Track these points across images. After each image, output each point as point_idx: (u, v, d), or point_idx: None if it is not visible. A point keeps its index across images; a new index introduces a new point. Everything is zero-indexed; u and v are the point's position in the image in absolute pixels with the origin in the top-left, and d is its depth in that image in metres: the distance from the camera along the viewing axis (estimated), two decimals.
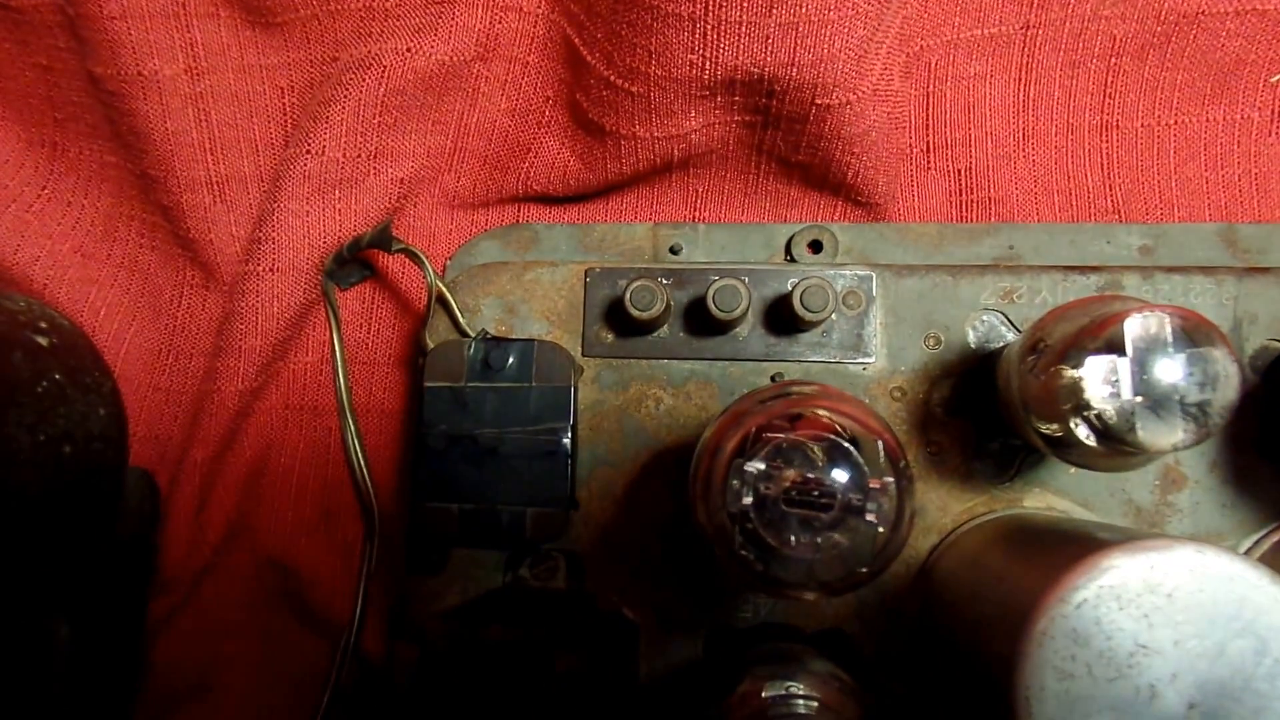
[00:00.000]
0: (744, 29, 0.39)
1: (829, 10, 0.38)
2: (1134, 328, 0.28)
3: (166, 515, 0.51)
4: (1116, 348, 0.29)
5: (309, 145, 0.47)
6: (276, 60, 0.49)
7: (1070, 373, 0.30)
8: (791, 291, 0.40)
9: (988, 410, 0.41)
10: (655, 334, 0.43)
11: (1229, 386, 0.28)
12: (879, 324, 0.42)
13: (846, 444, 0.26)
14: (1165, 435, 0.28)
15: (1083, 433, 0.31)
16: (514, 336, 0.44)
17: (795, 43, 0.39)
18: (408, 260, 0.49)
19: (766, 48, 0.39)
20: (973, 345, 0.42)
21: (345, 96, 0.47)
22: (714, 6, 0.38)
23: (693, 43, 0.40)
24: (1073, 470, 0.41)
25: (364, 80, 0.46)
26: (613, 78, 0.43)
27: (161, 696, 0.50)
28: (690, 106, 0.43)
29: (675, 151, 0.45)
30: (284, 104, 0.49)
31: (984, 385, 0.41)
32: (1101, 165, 0.47)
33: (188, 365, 0.52)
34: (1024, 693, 0.26)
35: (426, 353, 0.44)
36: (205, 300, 0.52)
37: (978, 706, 0.33)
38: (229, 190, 0.50)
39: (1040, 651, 0.26)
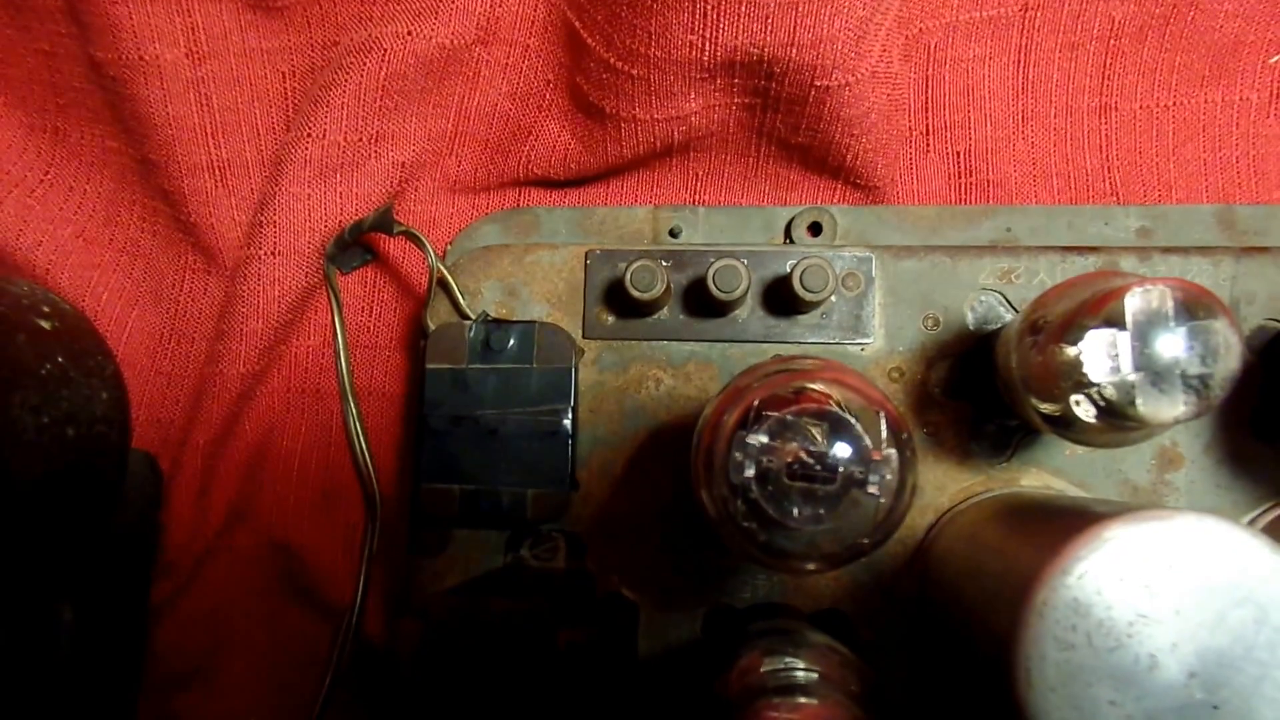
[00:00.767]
0: (743, 9, 0.39)
1: None
2: (1134, 302, 0.29)
3: (169, 498, 0.51)
4: (1116, 322, 0.29)
5: (310, 129, 0.47)
6: (277, 44, 0.49)
7: (1070, 349, 0.30)
8: (791, 272, 0.40)
9: (985, 390, 0.41)
10: (655, 316, 0.43)
11: (1230, 357, 0.28)
12: (877, 305, 0.43)
13: (848, 416, 0.27)
14: (1167, 408, 0.28)
15: (1083, 409, 0.31)
16: (515, 319, 0.44)
17: (795, 22, 0.39)
18: (409, 244, 0.49)
19: (766, 28, 0.39)
20: (971, 326, 0.42)
21: (346, 80, 0.47)
22: None
23: (692, 24, 0.40)
24: (1069, 450, 0.41)
25: (364, 64, 0.47)
26: (612, 60, 0.44)
27: (164, 679, 0.50)
28: (690, 88, 0.43)
29: (675, 134, 0.46)
30: (285, 88, 0.50)
31: (982, 366, 0.41)
32: (1100, 147, 0.47)
33: (189, 349, 0.52)
34: (1024, 663, 0.26)
35: (428, 335, 0.44)
36: (207, 284, 0.52)
37: (976, 683, 0.33)
38: (230, 175, 0.50)
39: (1041, 622, 0.26)
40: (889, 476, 0.26)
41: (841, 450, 0.27)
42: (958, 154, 0.48)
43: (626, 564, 0.43)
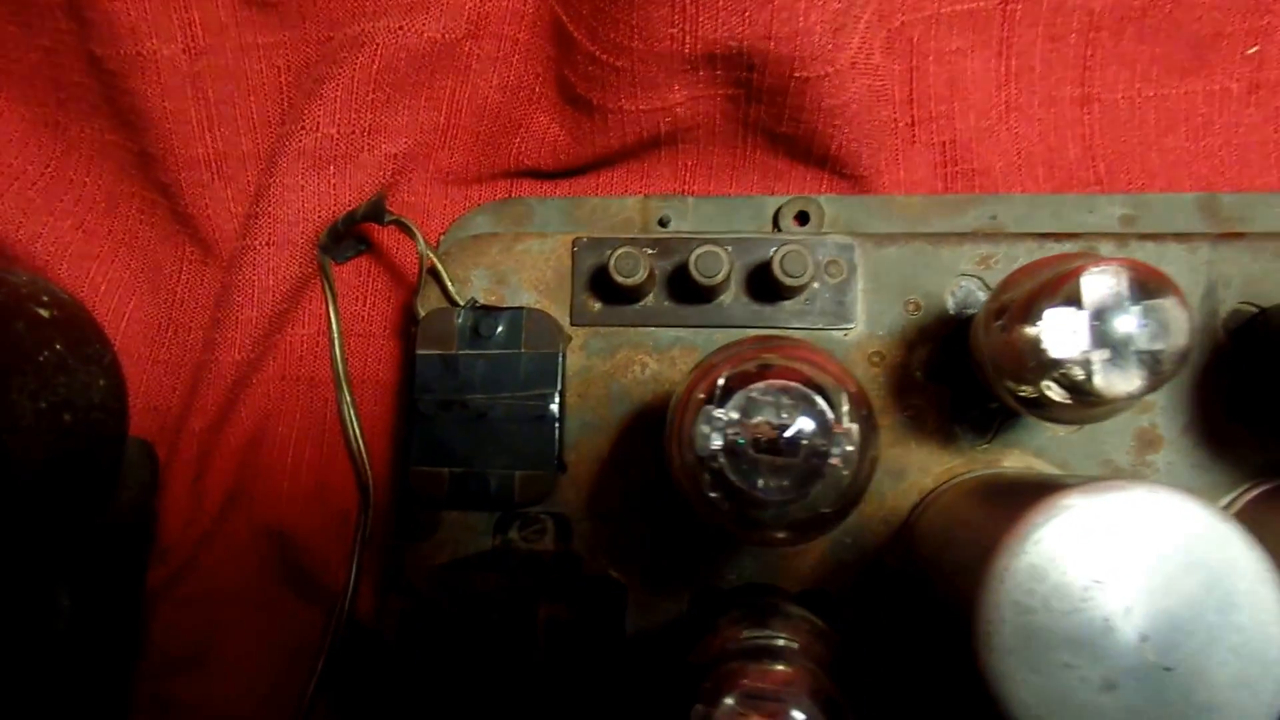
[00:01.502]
0: (721, 2, 0.40)
1: None
2: (1089, 281, 0.29)
3: (165, 484, 0.52)
4: (1074, 301, 0.30)
5: (304, 121, 0.48)
6: (273, 39, 0.50)
7: (1031, 329, 0.31)
8: (772, 258, 0.41)
9: (966, 374, 0.42)
10: (641, 302, 0.44)
11: (1180, 333, 0.29)
12: (860, 291, 0.43)
13: (811, 390, 0.27)
14: (1123, 383, 0.29)
15: (1047, 387, 0.31)
16: (504, 306, 0.45)
17: (771, 15, 0.40)
18: (402, 235, 0.50)
19: (744, 20, 0.40)
20: (951, 311, 0.43)
21: (339, 74, 0.48)
22: None
23: (673, 16, 0.41)
24: (1049, 431, 0.42)
25: (358, 58, 0.47)
26: (598, 53, 0.44)
27: (160, 664, 0.51)
28: (674, 80, 0.44)
29: (662, 125, 0.46)
30: (280, 82, 0.50)
31: (962, 349, 0.42)
32: (1083, 137, 0.48)
33: (186, 339, 0.53)
34: (984, 627, 0.27)
35: (419, 321, 0.45)
36: (204, 275, 0.53)
37: (949, 654, 0.34)
38: (226, 167, 0.51)
39: (1000, 587, 0.27)
40: (850, 448, 0.27)
41: (804, 423, 0.27)
42: (943, 144, 0.49)
43: (614, 546, 0.44)
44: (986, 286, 0.42)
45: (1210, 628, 0.26)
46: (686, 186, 0.50)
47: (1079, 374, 0.30)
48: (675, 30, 0.41)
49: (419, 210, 0.51)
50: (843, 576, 0.42)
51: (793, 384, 0.27)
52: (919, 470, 0.43)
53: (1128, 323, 0.29)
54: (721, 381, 0.28)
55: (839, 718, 0.26)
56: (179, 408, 0.52)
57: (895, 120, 0.48)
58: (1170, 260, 0.42)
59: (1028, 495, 0.29)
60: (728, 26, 0.41)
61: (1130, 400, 0.30)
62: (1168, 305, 0.29)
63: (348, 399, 0.50)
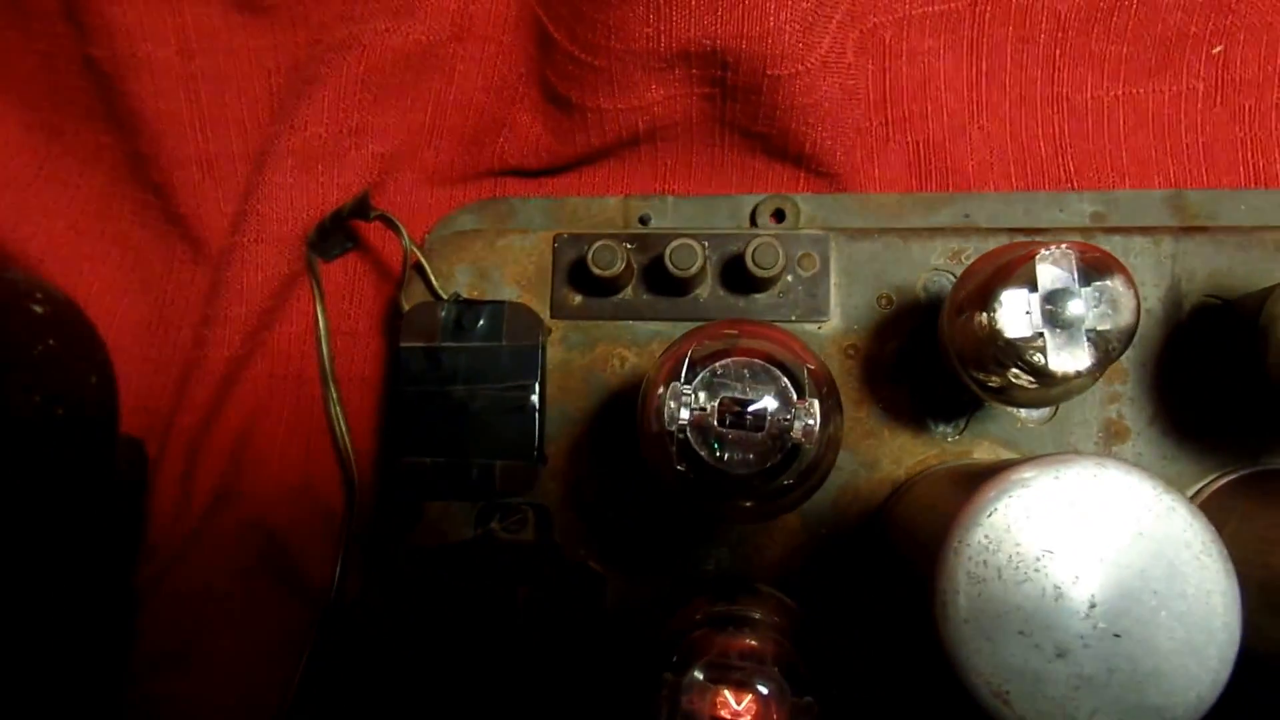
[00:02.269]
0: (694, 1, 0.41)
1: None
2: (1042, 264, 0.30)
3: (154, 481, 0.52)
4: (1026, 284, 0.31)
5: (293, 121, 0.49)
6: (264, 42, 0.51)
7: (986, 314, 0.31)
8: (744, 251, 0.42)
9: (937, 366, 0.43)
10: (619, 295, 0.45)
11: (1127, 312, 0.30)
12: (833, 285, 0.44)
13: (773, 366, 0.28)
14: (1073, 362, 0.30)
15: (1007, 371, 0.32)
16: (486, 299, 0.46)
17: (742, 14, 0.41)
18: (389, 235, 0.51)
19: (717, 19, 0.41)
20: (923, 304, 0.44)
21: (328, 75, 0.49)
22: None
23: (647, 16, 0.42)
24: (1019, 423, 0.43)
25: (345, 59, 0.49)
26: (577, 52, 0.46)
27: (148, 660, 0.51)
28: (650, 79, 0.45)
29: (640, 123, 0.48)
30: (270, 84, 0.52)
31: (933, 342, 0.43)
32: (1054, 136, 0.49)
33: (176, 337, 0.54)
34: (941, 598, 0.28)
35: (403, 315, 0.46)
36: (194, 275, 0.54)
37: (916, 632, 0.35)
38: (217, 167, 0.52)
39: (956, 559, 0.28)
40: (811, 422, 0.28)
41: (766, 398, 0.28)
42: (917, 144, 0.50)
43: (593, 536, 0.45)
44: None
45: (1157, 596, 0.26)
46: (666, 185, 0.51)
47: (1034, 355, 0.30)
48: (650, 29, 0.42)
49: (405, 209, 0.52)
50: (819, 566, 0.43)
51: (755, 361, 0.28)
52: (891, 462, 0.43)
53: (1077, 303, 0.30)
54: (688, 359, 0.29)
55: (801, 685, 0.27)
56: (168, 406, 0.53)
57: (869, 119, 0.49)
58: (1136, 254, 0.43)
59: (985, 474, 0.30)
60: (701, 25, 0.42)
61: (1083, 379, 0.30)
62: (1116, 285, 0.30)
63: (334, 396, 0.51)
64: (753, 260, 0.41)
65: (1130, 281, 0.30)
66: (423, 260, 0.46)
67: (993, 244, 0.44)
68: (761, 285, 0.43)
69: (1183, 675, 0.26)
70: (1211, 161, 0.48)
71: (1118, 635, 0.26)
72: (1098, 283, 0.30)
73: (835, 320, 0.44)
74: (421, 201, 0.53)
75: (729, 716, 0.27)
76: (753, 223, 0.49)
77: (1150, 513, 0.27)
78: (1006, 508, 0.27)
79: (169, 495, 0.52)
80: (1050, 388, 0.33)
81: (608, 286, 0.44)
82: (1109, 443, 0.43)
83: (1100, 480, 0.27)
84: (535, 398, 0.44)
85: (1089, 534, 0.27)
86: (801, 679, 0.27)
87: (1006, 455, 0.43)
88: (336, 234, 0.51)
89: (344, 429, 0.51)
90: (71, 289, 0.54)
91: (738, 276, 0.44)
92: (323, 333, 0.51)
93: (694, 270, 0.41)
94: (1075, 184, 0.49)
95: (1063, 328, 0.30)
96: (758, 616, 0.29)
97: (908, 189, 0.50)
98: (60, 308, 0.50)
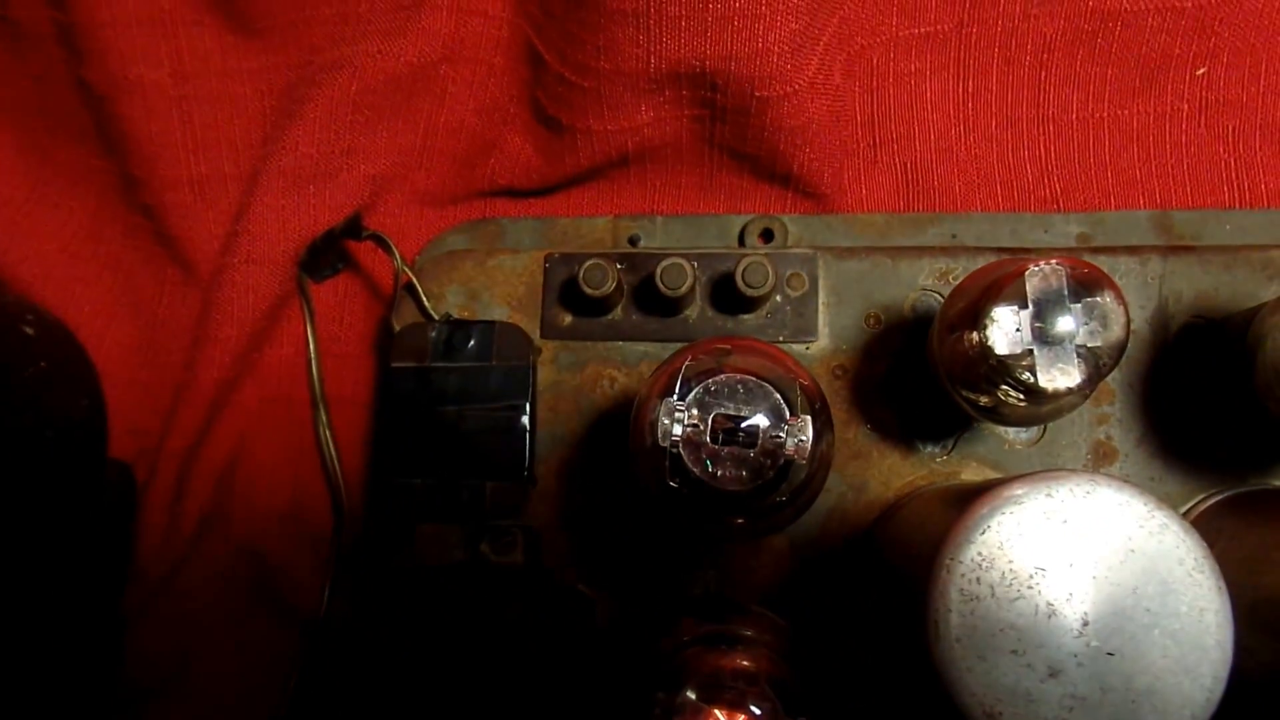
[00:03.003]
0: (683, 23, 0.42)
1: (761, 4, 0.41)
2: (1032, 281, 0.31)
3: (143, 505, 0.52)
4: (1018, 301, 0.31)
5: (284, 142, 0.49)
6: (256, 64, 0.52)
7: (975, 334, 0.32)
8: (734, 270, 0.42)
9: (926, 386, 0.43)
10: (609, 316, 0.45)
11: (1117, 328, 0.30)
12: (821, 304, 0.44)
13: (765, 383, 0.28)
14: (1063, 379, 0.30)
15: (997, 389, 0.33)
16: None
17: (731, 35, 0.41)
18: (379, 257, 0.51)
19: (705, 40, 0.42)
20: (910, 324, 0.44)
21: (319, 96, 0.49)
22: (655, 2, 0.41)
23: (637, 37, 0.43)
24: (1008, 444, 0.43)
25: (337, 81, 0.49)
26: (567, 74, 0.46)
27: (136, 686, 0.51)
28: (640, 100, 0.46)
29: (629, 144, 0.48)
30: (262, 106, 0.52)
31: (922, 362, 0.43)
32: (1040, 157, 0.49)
33: (167, 360, 0.54)
34: (933, 617, 0.28)
35: (394, 335, 0.46)
36: (185, 297, 0.54)
37: (907, 653, 0.34)
38: (209, 189, 0.52)
39: (948, 576, 0.28)
40: (803, 438, 0.28)
41: (758, 414, 0.28)
42: (904, 165, 0.50)
43: (583, 559, 0.44)
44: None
45: (1150, 614, 0.26)
46: (655, 206, 0.52)
47: (1023, 373, 0.31)
48: (640, 50, 0.43)
49: (396, 230, 0.52)
50: (806, 588, 0.43)
51: (748, 377, 0.29)
52: (880, 484, 0.43)
53: (1067, 319, 0.30)
54: (681, 375, 0.29)
55: (794, 704, 0.27)
56: (158, 430, 0.53)
57: (857, 140, 0.50)
58: (1123, 274, 0.43)
59: (977, 492, 0.30)
60: (690, 47, 0.42)
61: (1073, 396, 0.31)
62: (1105, 301, 0.30)
63: (324, 419, 0.51)
64: (743, 279, 0.41)
65: (1120, 297, 0.30)
66: (414, 280, 0.46)
67: (979, 263, 0.44)
68: (751, 305, 0.43)
69: (1176, 694, 0.26)
70: (1197, 181, 0.49)
71: (1111, 654, 0.26)
72: (1087, 299, 0.30)
73: (823, 340, 0.44)
74: (412, 222, 0.53)
75: None
76: (741, 243, 0.49)
77: (1143, 530, 0.27)
78: (999, 525, 0.27)
79: (158, 520, 0.51)
80: (1040, 405, 0.33)
81: (598, 306, 0.44)
82: (1097, 464, 0.43)
83: (1093, 497, 0.27)
84: (526, 418, 0.44)
85: (1082, 551, 0.27)
86: (794, 698, 0.27)
87: (994, 476, 0.43)
88: (328, 255, 0.51)
89: (333, 451, 0.51)
90: (62, 311, 0.53)
91: (727, 296, 0.44)
92: (313, 354, 0.51)
93: (684, 290, 0.41)
94: (1062, 204, 0.49)
95: (1053, 344, 0.30)
96: (750, 635, 0.29)
97: (895, 209, 0.51)
98: (51, 330, 0.50)
